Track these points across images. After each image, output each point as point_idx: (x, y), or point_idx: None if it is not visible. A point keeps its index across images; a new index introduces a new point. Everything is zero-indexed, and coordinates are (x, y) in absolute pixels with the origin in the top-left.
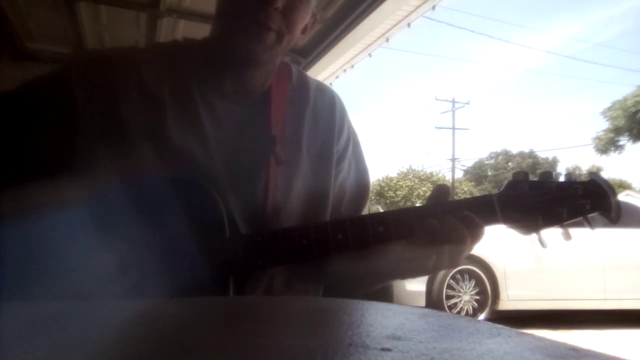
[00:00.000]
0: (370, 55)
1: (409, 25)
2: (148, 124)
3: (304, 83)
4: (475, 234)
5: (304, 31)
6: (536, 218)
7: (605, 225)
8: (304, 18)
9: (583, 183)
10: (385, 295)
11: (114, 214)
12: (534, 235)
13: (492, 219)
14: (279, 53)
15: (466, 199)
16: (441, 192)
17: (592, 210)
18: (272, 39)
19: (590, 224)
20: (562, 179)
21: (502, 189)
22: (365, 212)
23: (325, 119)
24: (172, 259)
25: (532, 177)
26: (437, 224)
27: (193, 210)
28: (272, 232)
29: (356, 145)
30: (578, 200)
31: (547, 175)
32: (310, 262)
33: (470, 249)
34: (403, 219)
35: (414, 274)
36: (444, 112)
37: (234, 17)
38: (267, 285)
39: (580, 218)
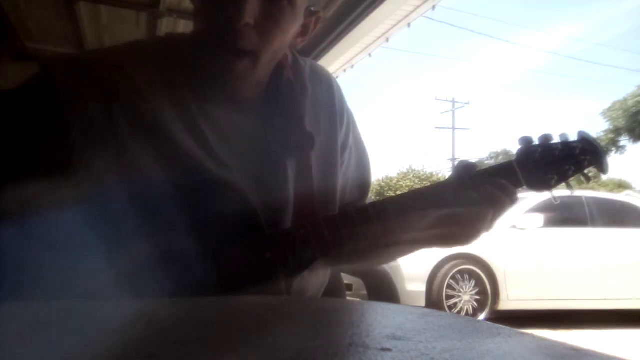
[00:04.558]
0: (370, 55)
1: (409, 25)
2: (145, 130)
3: (300, 68)
4: (512, 199)
5: (303, 34)
6: (551, 177)
7: (605, 225)
8: (289, 27)
9: (579, 142)
10: (390, 295)
11: (147, 215)
12: (535, 230)
13: (516, 183)
14: (266, 65)
15: (490, 168)
16: (466, 167)
17: (589, 164)
18: (247, 61)
19: (589, 179)
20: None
21: (516, 155)
22: (368, 193)
23: (326, 109)
24: (217, 263)
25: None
26: (477, 196)
27: (228, 211)
28: (313, 223)
29: (354, 125)
30: (579, 157)
31: (549, 138)
32: (355, 246)
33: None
34: (442, 194)
35: (456, 242)
36: (444, 112)
37: (203, 38)
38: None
39: (579, 172)
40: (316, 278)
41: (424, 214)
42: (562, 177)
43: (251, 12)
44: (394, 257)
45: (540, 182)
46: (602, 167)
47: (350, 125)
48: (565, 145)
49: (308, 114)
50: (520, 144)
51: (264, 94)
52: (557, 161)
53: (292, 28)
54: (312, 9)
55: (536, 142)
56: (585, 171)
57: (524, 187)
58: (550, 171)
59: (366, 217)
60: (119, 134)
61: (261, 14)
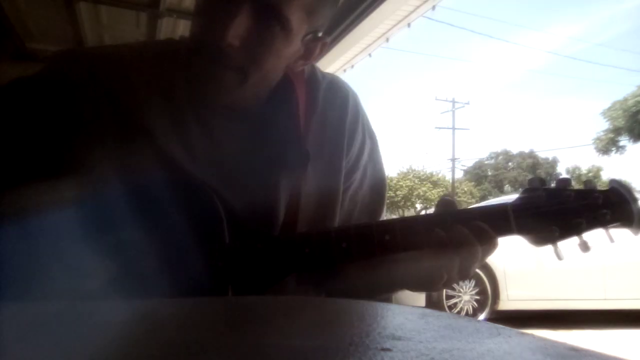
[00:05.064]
0: (370, 55)
1: (409, 25)
2: (134, 130)
3: (315, 84)
4: (487, 246)
5: (305, 57)
6: (553, 229)
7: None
8: (281, 51)
9: (604, 191)
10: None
11: (110, 216)
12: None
13: (506, 229)
14: (259, 82)
15: (479, 208)
16: (447, 205)
17: (612, 220)
18: (234, 76)
19: (611, 236)
20: (580, 186)
21: (517, 197)
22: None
23: (335, 128)
24: (167, 264)
25: (549, 184)
26: (445, 236)
27: (191, 215)
28: (273, 239)
29: (374, 148)
30: (598, 210)
31: (565, 183)
32: (312, 271)
33: (482, 261)
34: (411, 228)
35: (420, 287)
36: (444, 112)
37: (194, 44)
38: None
39: (600, 229)
40: None
41: (386, 249)
42: (569, 231)
43: (235, 34)
44: (373, 292)
45: (538, 234)
46: (631, 225)
47: (366, 147)
48: (583, 193)
49: (313, 131)
50: (528, 185)
51: (266, 106)
52: (566, 211)
53: (285, 52)
54: (319, 34)
55: (551, 185)
56: (610, 227)
57: (520, 236)
58: (554, 222)
59: (327, 241)
60: (110, 133)
61: (250, 35)
